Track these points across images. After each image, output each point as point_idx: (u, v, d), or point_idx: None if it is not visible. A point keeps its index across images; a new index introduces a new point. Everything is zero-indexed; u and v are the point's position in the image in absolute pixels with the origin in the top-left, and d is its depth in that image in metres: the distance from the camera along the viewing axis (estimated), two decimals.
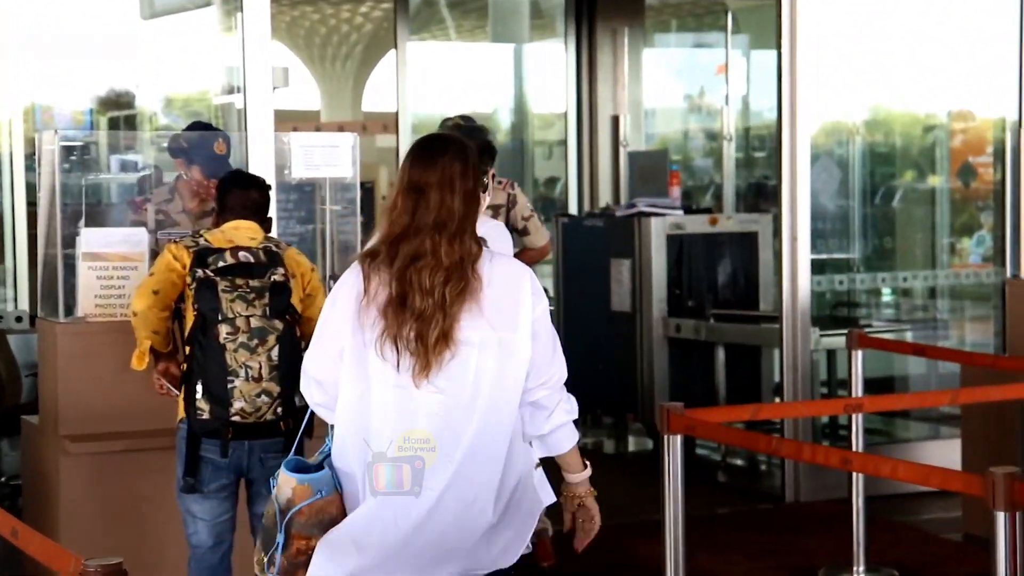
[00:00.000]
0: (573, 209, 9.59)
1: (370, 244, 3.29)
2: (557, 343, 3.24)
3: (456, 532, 3.13)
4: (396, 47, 9.30)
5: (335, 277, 5.29)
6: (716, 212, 8.45)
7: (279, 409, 4.33)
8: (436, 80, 10.31)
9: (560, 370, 3.23)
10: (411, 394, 3.11)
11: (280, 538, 3.11)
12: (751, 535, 6.43)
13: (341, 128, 23.10)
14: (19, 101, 8.66)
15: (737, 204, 9.58)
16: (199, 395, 4.32)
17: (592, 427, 8.67)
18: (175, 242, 4.58)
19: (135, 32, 9.41)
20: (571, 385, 3.27)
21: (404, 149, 9.43)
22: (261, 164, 5.55)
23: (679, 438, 4.22)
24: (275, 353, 4.32)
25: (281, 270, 4.42)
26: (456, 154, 3.21)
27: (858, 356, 5.92)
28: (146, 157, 6.05)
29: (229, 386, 4.30)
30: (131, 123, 9.66)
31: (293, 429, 4.34)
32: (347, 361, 3.17)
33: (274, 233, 5.00)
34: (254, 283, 4.37)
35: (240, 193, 4.63)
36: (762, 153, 10.31)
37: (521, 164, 10.20)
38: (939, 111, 8.69)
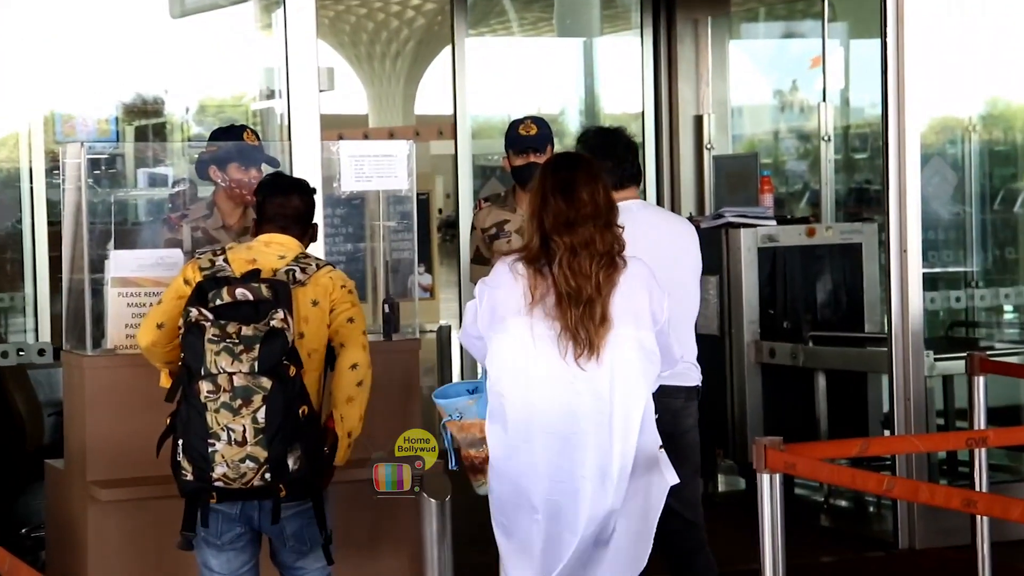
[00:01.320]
0: None
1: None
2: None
3: None
4: (453, 43, 9.33)
5: (389, 302, 5.32)
6: (813, 221, 8.39)
7: (267, 475, 4.29)
8: (497, 79, 10.34)
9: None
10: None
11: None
12: None
13: (391, 134, 23.26)
14: (37, 109, 8.77)
15: (837, 212, 9.52)
16: (180, 455, 4.32)
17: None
18: (196, 258, 4.61)
19: (164, 32, 9.52)
20: None
21: (463, 156, 9.45)
22: (307, 176, 5.60)
23: (777, 477, 4.18)
24: (261, 415, 4.26)
25: (281, 313, 4.35)
26: (590, 161, 4.42)
27: (979, 382, 5.86)
28: (178, 170, 6.12)
29: (210, 449, 4.27)
30: (160, 132, 9.77)
31: (296, 492, 4.36)
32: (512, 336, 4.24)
33: (320, 247, 5.04)
34: (247, 331, 4.30)
35: (279, 200, 4.64)
36: (864, 155, 10.24)
37: None
38: None
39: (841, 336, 7.85)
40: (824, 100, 9.16)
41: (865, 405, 7.87)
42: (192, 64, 9.60)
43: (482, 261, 6.34)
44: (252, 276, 4.46)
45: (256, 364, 4.26)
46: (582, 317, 4.21)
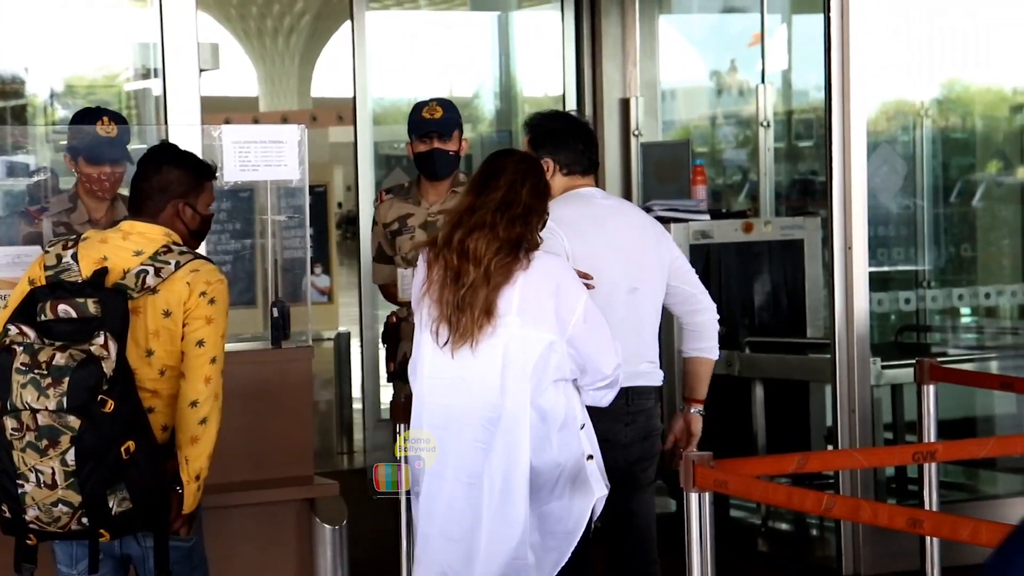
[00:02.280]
0: None
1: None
2: None
3: None
4: (352, 17, 9.33)
5: (278, 305, 5.32)
6: (751, 216, 8.48)
7: (84, 520, 4.23)
8: (402, 59, 10.35)
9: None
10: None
11: None
12: None
13: (284, 119, 23.22)
14: None
15: (779, 206, 9.62)
16: None
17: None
18: (45, 252, 4.51)
19: (24, 3, 9.44)
20: None
21: (363, 143, 9.46)
22: None
23: (707, 496, 4.24)
24: (71, 457, 4.18)
25: (101, 338, 4.24)
26: (525, 156, 4.65)
27: (929, 391, 5.96)
28: (40, 158, 6.09)
29: (19, 491, 4.22)
30: (20, 115, 9.69)
31: (125, 532, 4.34)
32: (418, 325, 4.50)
33: (202, 245, 4.96)
34: (59, 359, 4.19)
35: (148, 177, 4.51)
36: (809, 143, 10.36)
37: None
38: None
39: (781, 342, 7.95)
40: (763, 82, 9.25)
41: (807, 417, 7.97)
42: (57, 39, 9.53)
43: (385, 259, 6.36)
44: (95, 277, 4.37)
45: (64, 400, 4.17)
46: (460, 302, 4.34)
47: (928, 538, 5.38)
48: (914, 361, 6.16)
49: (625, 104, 9.63)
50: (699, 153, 9.99)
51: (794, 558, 7.61)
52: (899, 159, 8.14)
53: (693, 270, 5.22)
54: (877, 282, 8.10)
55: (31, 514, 4.24)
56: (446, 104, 6.34)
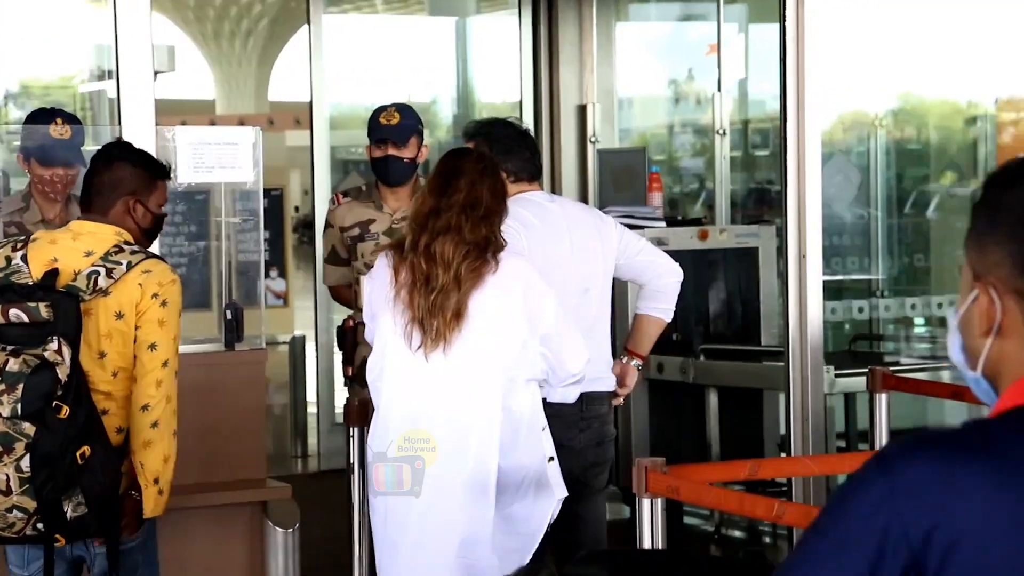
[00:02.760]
0: None
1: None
2: None
3: None
4: (308, 21, 9.33)
5: (232, 308, 5.32)
6: (706, 223, 8.52)
7: (39, 525, 4.23)
8: (360, 63, 10.35)
9: None
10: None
11: None
12: None
13: (241, 122, 23.13)
14: None
15: (735, 214, 9.67)
16: None
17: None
18: None
19: None
20: None
21: (319, 147, 9.46)
22: None
23: (659, 501, 4.26)
24: (25, 463, 4.18)
25: (55, 344, 4.23)
26: (480, 155, 4.64)
27: (882, 400, 5.99)
28: None
29: None
30: None
31: (81, 537, 4.34)
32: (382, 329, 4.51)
33: (156, 247, 4.94)
34: (13, 365, 4.18)
35: (98, 174, 4.49)
36: (765, 151, 10.40)
37: None
38: (984, 99, 8.81)
39: (734, 349, 7.98)
40: (719, 90, 9.29)
41: (761, 425, 8.01)
42: (11, 40, 9.49)
43: (339, 261, 6.30)
44: (46, 279, 4.34)
45: (18, 407, 4.16)
46: (431, 307, 4.37)
47: None
48: (867, 370, 6.19)
49: (582, 111, 9.65)
50: (659, 162, 10.01)
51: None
52: (853, 169, 8.20)
53: (645, 240, 5.29)
54: (832, 291, 8.17)
55: None
56: (405, 110, 6.24)
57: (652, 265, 5.29)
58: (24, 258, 4.41)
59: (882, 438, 5.98)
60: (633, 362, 5.34)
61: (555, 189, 9.65)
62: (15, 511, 4.20)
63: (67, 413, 4.19)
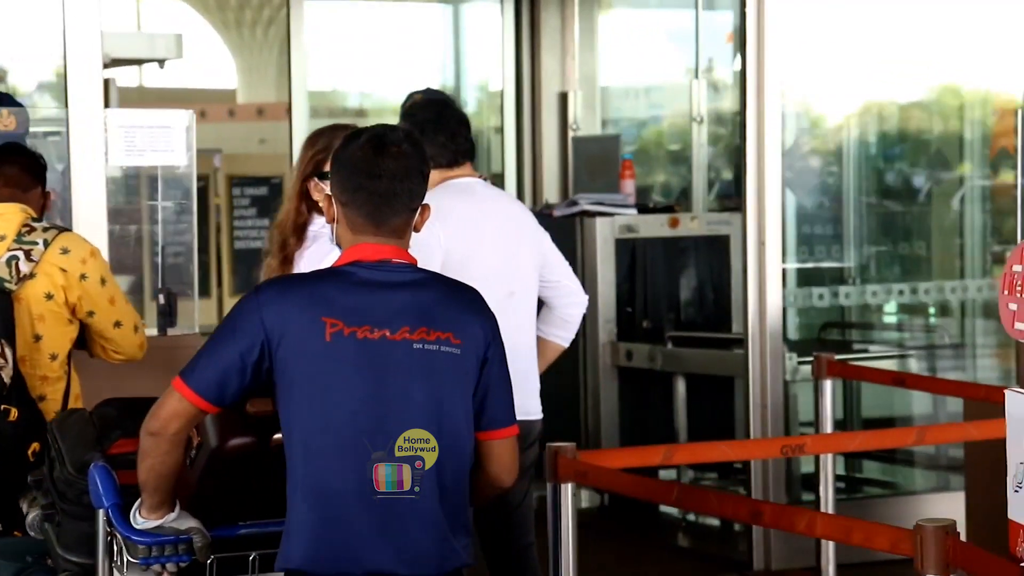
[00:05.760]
0: None
1: None
2: None
3: None
4: (288, 7, 9.29)
5: (165, 291, 5.31)
6: (678, 210, 8.47)
7: None
8: (341, 50, 10.31)
9: None
10: None
11: None
12: None
13: (260, 111, 23.14)
14: None
15: (716, 203, 9.60)
16: None
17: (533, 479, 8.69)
18: None
19: None
20: None
21: (298, 139, 9.40)
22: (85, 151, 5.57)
23: (569, 487, 4.25)
24: None
25: None
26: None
27: (826, 386, 5.97)
28: None
29: None
30: None
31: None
32: None
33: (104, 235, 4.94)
34: None
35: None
36: None
37: None
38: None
39: (701, 337, 7.95)
40: (697, 77, 9.25)
41: (731, 413, 7.97)
42: None
43: None
44: None
45: None
46: None
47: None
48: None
49: (563, 98, 9.61)
50: (639, 149, 9.96)
51: (712, 554, 7.62)
52: (813, 156, 8.15)
53: (565, 260, 5.15)
54: (802, 278, 8.13)
55: None
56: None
57: (568, 290, 5.08)
58: None
59: (827, 424, 5.95)
60: None
61: (536, 177, 9.62)
62: None
63: (16, 415, 4.20)
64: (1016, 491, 3.04)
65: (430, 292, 3.39)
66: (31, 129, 5.61)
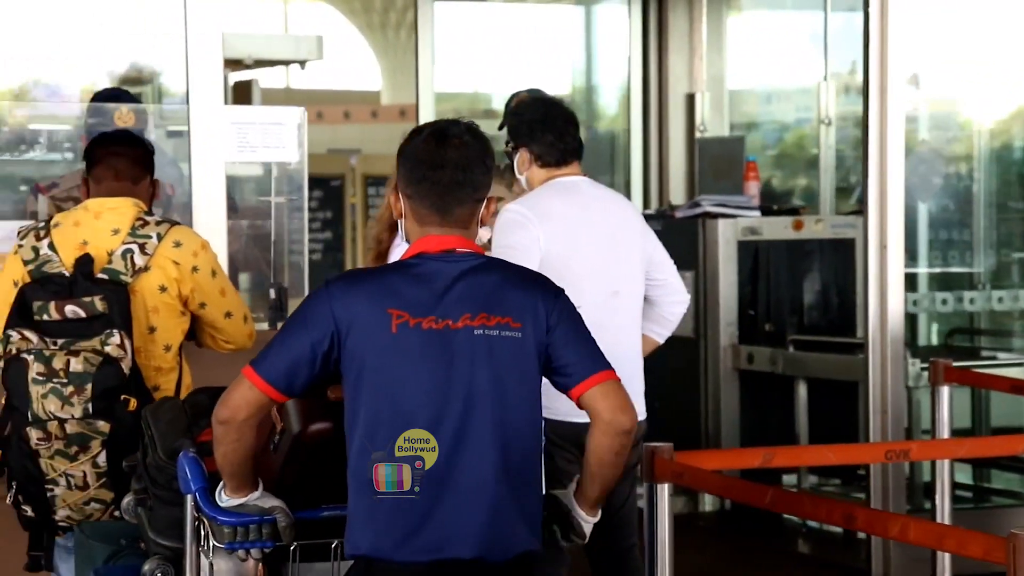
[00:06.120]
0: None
1: None
2: None
3: None
4: (416, 9, 9.31)
5: (277, 286, 5.37)
6: (803, 213, 8.37)
7: (115, 512, 4.27)
8: (470, 52, 10.34)
9: None
10: None
11: None
12: None
13: (403, 112, 23.32)
14: None
15: (845, 205, 9.48)
16: (14, 493, 4.33)
17: (636, 479, 8.66)
18: (19, 245, 4.47)
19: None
20: None
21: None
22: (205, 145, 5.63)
23: (666, 487, 4.21)
24: (102, 459, 4.27)
25: (117, 338, 4.27)
26: None
27: (943, 393, 5.86)
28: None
29: (49, 495, 4.30)
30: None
31: None
32: None
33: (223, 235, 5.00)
34: (76, 365, 4.23)
35: (106, 152, 4.56)
36: None
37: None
38: None
39: (822, 341, 7.86)
40: (825, 79, 9.15)
41: (855, 418, 7.86)
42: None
43: None
44: (84, 267, 4.35)
45: (89, 407, 4.24)
46: None
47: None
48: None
49: (690, 100, 9.56)
50: (769, 151, 9.88)
51: (832, 561, 7.52)
52: (939, 159, 8.00)
53: (671, 259, 5.09)
54: (932, 283, 8.01)
55: (61, 514, 4.32)
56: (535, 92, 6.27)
57: (669, 286, 5.02)
58: (51, 246, 4.43)
59: (943, 431, 5.84)
60: None
61: (662, 179, 9.58)
62: (92, 503, 4.30)
63: (135, 405, 4.27)
64: None
65: (491, 277, 3.42)
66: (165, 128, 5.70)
